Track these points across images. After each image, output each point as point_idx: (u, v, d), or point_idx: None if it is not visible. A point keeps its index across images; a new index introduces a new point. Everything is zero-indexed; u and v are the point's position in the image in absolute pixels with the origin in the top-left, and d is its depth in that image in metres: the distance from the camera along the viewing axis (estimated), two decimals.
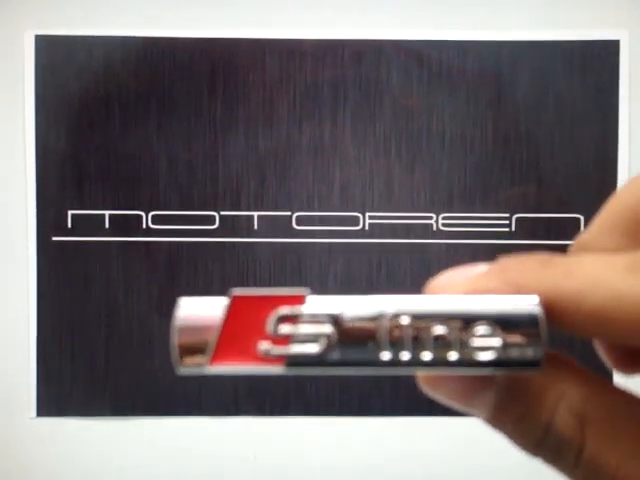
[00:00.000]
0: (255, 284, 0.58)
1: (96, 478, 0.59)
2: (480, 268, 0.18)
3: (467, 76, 0.57)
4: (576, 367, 0.18)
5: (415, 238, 0.58)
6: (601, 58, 0.57)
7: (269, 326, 0.17)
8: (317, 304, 0.17)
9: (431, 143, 0.58)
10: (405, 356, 0.16)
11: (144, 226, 0.58)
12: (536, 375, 0.17)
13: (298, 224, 0.58)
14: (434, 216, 0.58)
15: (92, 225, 0.58)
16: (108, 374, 0.58)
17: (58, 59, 0.57)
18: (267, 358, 0.17)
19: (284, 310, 0.17)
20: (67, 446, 0.59)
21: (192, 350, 0.17)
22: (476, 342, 0.16)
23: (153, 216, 0.58)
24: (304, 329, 0.17)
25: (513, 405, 0.17)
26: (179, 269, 0.58)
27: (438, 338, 0.16)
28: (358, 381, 0.58)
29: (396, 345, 0.16)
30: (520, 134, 0.58)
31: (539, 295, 0.16)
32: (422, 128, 0.58)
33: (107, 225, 0.58)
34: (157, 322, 0.58)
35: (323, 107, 0.58)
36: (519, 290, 0.16)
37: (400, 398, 0.58)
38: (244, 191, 0.58)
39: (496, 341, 0.16)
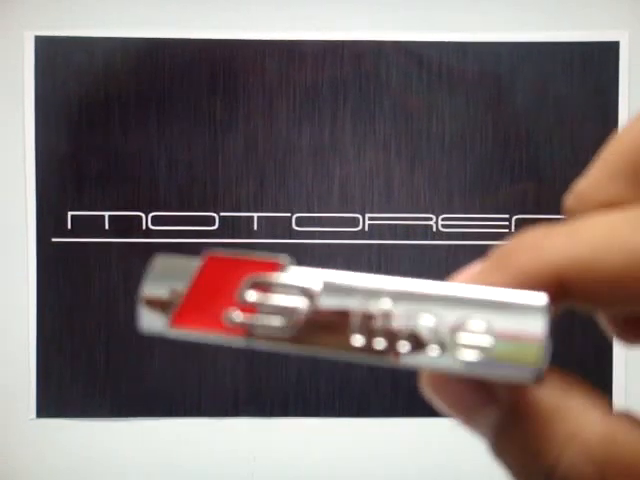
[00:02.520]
0: None
1: (96, 478, 0.59)
2: (479, 265, 0.17)
3: (467, 77, 0.57)
4: (591, 393, 0.15)
5: (415, 239, 0.58)
6: (601, 59, 0.57)
7: (239, 293, 0.15)
8: (292, 274, 0.15)
9: (431, 143, 0.58)
10: (379, 344, 0.14)
11: (144, 227, 0.58)
12: (544, 396, 0.14)
13: (298, 225, 0.58)
14: (434, 217, 0.58)
15: (92, 226, 0.58)
16: (108, 374, 0.58)
17: (58, 59, 0.57)
18: (230, 327, 0.15)
19: (256, 277, 0.15)
20: (67, 446, 0.59)
21: (155, 309, 0.16)
22: (465, 338, 0.14)
23: (153, 217, 0.58)
24: (273, 300, 0.15)
25: (515, 432, 0.15)
26: None
27: (421, 328, 0.14)
28: (358, 382, 0.58)
29: (371, 330, 0.14)
30: (520, 134, 0.58)
31: (546, 271, 0.14)
32: (422, 128, 0.58)
33: (107, 226, 0.58)
34: None
35: (323, 108, 0.57)
36: (524, 273, 0.14)
37: (400, 399, 0.58)
38: (244, 192, 0.58)
39: (487, 340, 0.14)
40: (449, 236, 0.58)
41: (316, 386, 0.58)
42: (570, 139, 0.57)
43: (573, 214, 0.16)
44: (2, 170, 0.58)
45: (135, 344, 0.58)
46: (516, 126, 0.57)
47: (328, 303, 0.15)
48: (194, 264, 0.16)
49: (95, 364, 0.58)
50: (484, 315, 0.14)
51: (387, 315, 0.14)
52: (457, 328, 0.14)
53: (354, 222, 0.58)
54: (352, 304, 0.15)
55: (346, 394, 0.58)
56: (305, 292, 0.15)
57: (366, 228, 0.58)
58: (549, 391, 0.14)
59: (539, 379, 0.14)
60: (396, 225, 0.58)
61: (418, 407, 0.58)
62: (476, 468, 0.58)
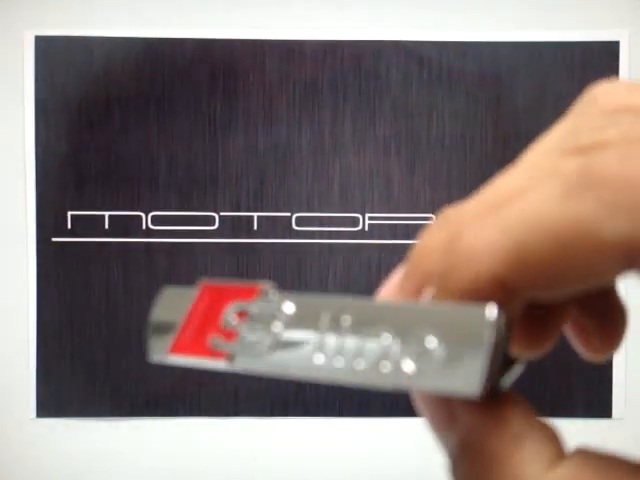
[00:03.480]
0: None
1: (96, 478, 0.59)
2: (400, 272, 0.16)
3: (467, 76, 0.57)
4: (546, 436, 0.14)
5: (415, 239, 0.58)
6: (601, 58, 0.57)
7: (222, 319, 0.16)
8: (265, 300, 0.16)
9: (431, 143, 0.58)
10: (339, 362, 0.15)
11: (144, 227, 0.58)
12: (495, 435, 0.14)
13: (298, 225, 0.58)
14: (434, 217, 0.58)
15: (92, 226, 0.58)
16: (108, 374, 0.58)
17: (58, 59, 0.57)
18: (214, 351, 0.16)
19: (237, 303, 0.16)
20: (67, 446, 0.59)
21: (160, 338, 0.17)
22: (414, 354, 0.14)
23: (153, 217, 0.58)
24: (249, 325, 0.16)
25: (465, 463, 0.15)
26: (179, 269, 0.58)
27: (377, 346, 0.14)
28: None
29: (332, 349, 0.15)
30: (520, 134, 0.58)
31: (487, 283, 0.14)
32: (422, 128, 0.58)
33: (107, 226, 0.58)
34: None
35: (323, 107, 0.57)
36: (466, 292, 0.14)
37: (400, 399, 0.58)
38: (244, 192, 0.58)
39: (432, 355, 0.14)
40: None
41: (316, 386, 0.58)
42: None
43: (453, 224, 0.16)
44: (2, 170, 0.58)
45: (135, 344, 0.58)
46: (516, 126, 0.57)
47: (293, 325, 0.15)
48: (192, 294, 0.17)
49: (95, 364, 0.58)
50: (434, 330, 0.14)
51: (346, 333, 0.15)
52: (409, 344, 0.14)
53: (354, 222, 0.58)
54: (315, 326, 0.15)
55: (346, 394, 0.58)
56: (274, 316, 0.16)
57: (366, 228, 0.58)
58: (501, 429, 0.14)
59: (485, 393, 0.14)
60: (396, 225, 0.58)
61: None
62: None
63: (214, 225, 0.58)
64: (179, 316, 0.17)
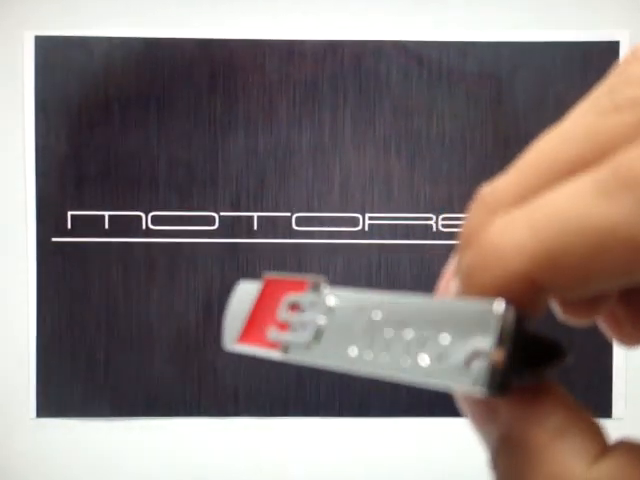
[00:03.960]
0: None
1: (96, 478, 0.59)
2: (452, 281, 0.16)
3: (467, 76, 0.57)
4: (589, 431, 0.14)
5: (415, 239, 0.58)
6: (601, 59, 0.57)
7: (278, 311, 0.17)
8: (312, 293, 0.17)
9: (431, 143, 0.58)
10: (368, 355, 0.15)
11: (144, 227, 0.58)
12: (536, 430, 0.14)
13: (298, 225, 0.58)
14: (434, 217, 0.58)
15: (92, 226, 0.58)
16: (108, 374, 0.58)
17: (58, 59, 0.57)
18: (271, 342, 0.17)
19: (290, 296, 0.17)
20: (67, 446, 0.59)
21: (231, 329, 0.18)
22: (430, 350, 0.14)
23: (153, 217, 0.58)
24: (300, 317, 0.17)
25: (505, 458, 0.14)
26: (179, 269, 0.58)
27: (399, 341, 0.15)
28: (358, 382, 0.58)
29: (363, 343, 0.15)
30: (520, 134, 0.58)
31: (515, 280, 0.14)
32: (422, 128, 0.58)
33: (107, 226, 0.58)
34: (157, 322, 0.58)
35: (323, 107, 0.57)
36: (493, 288, 0.14)
37: (400, 398, 0.58)
38: (244, 192, 0.58)
39: (445, 351, 0.14)
40: (449, 236, 0.58)
41: (316, 386, 0.58)
42: None
43: (489, 206, 0.15)
44: (2, 170, 0.58)
45: (135, 344, 0.58)
46: (516, 126, 0.57)
47: (337, 319, 0.16)
48: (259, 287, 0.18)
49: (95, 364, 0.58)
50: (446, 327, 0.14)
51: (377, 327, 0.15)
52: (426, 340, 0.15)
53: (354, 222, 0.58)
54: (354, 319, 0.16)
55: (346, 394, 0.58)
56: (321, 309, 0.16)
57: (366, 228, 0.58)
58: (543, 424, 0.14)
59: (497, 389, 0.13)
60: (396, 225, 0.58)
61: (418, 407, 0.58)
62: (476, 468, 0.58)
63: (214, 225, 0.58)
64: (247, 308, 0.18)
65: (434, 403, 0.58)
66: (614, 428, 0.60)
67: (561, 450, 0.14)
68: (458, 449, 0.58)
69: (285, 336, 0.17)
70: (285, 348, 0.17)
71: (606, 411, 0.58)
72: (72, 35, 0.57)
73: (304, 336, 0.16)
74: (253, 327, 0.18)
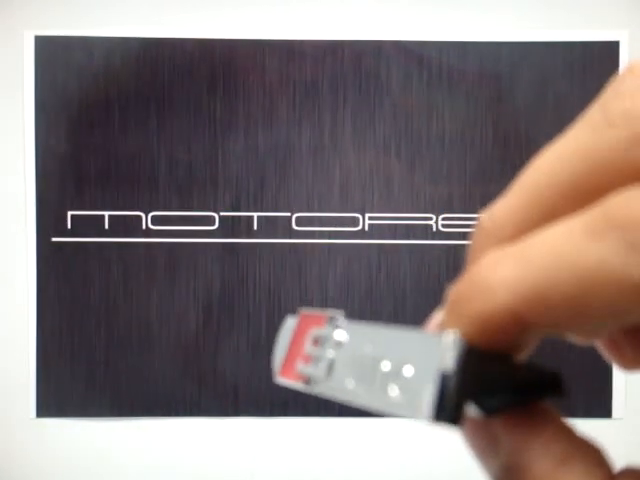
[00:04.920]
0: (255, 285, 0.58)
1: (96, 478, 0.59)
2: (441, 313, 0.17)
3: (467, 76, 0.57)
4: (592, 463, 0.14)
5: (415, 239, 0.58)
6: (601, 59, 0.57)
7: (305, 345, 0.18)
8: (328, 328, 0.18)
9: (431, 143, 0.58)
10: (359, 388, 0.16)
11: (144, 227, 0.58)
12: (538, 463, 0.14)
13: (298, 225, 0.58)
14: (434, 217, 0.58)
15: (92, 226, 0.58)
16: (108, 374, 0.58)
17: (58, 59, 0.57)
18: (298, 375, 0.18)
19: (313, 330, 0.18)
20: (67, 446, 0.59)
21: (277, 362, 0.19)
22: (397, 381, 0.15)
23: (153, 217, 0.58)
24: (318, 351, 0.18)
25: None
26: (179, 270, 0.58)
27: (379, 372, 0.15)
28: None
29: (357, 375, 0.16)
30: (520, 134, 0.57)
31: (501, 314, 0.14)
32: (422, 128, 0.58)
33: (107, 226, 0.58)
34: (157, 323, 0.58)
35: (323, 107, 0.57)
36: (480, 322, 0.14)
37: None
38: (244, 192, 0.58)
39: (408, 382, 0.15)
40: (449, 236, 0.58)
41: None
42: None
43: (487, 234, 0.16)
44: (2, 170, 0.58)
45: (135, 344, 0.58)
46: (516, 126, 0.57)
47: (344, 353, 0.17)
48: (296, 321, 0.19)
49: (95, 364, 0.58)
50: (412, 358, 0.15)
51: (361, 359, 0.16)
52: (395, 371, 0.15)
53: (354, 222, 0.58)
54: (354, 353, 0.17)
55: None
56: (331, 344, 0.17)
57: (366, 228, 0.58)
58: (546, 452, 0.14)
59: (448, 418, 0.14)
60: (396, 225, 0.58)
61: None
62: (475, 469, 0.58)
63: (214, 225, 0.58)
64: (286, 342, 0.19)
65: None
66: (614, 428, 0.60)
67: (566, 478, 0.14)
68: (458, 449, 0.58)
69: (307, 369, 0.18)
70: (307, 380, 0.18)
71: (606, 411, 0.58)
72: (72, 35, 0.57)
73: (319, 369, 0.17)
74: (289, 360, 0.19)
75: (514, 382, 0.15)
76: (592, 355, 0.62)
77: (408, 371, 0.15)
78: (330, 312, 0.18)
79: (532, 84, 0.57)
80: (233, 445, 0.59)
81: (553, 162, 0.15)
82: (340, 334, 0.17)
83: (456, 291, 0.15)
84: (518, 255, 0.14)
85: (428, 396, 0.14)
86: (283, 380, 0.19)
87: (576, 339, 0.15)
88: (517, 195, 0.15)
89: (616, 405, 0.58)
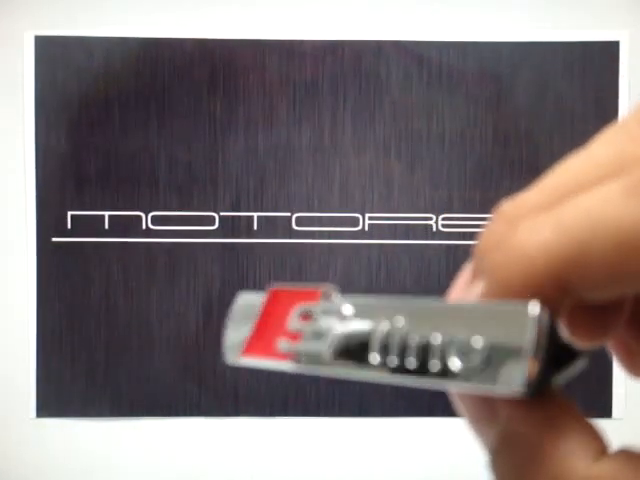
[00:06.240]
0: (255, 285, 0.58)
1: (96, 478, 0.59)
2: (467, 271, 0.16)
3: (467, 76, 0.57)
4: (587, 432, 0.14)
5: (415, 239, 0.58)
6: (601, 59, 0.57)
7: (288, 322, 0.17)
8: (326, 302, 0.17)
9: (431, 143, 0.58)
10: (392, 362, 0.15)
11: (144, 227, 0.58)
12: (534, 429, 0.14)
13: (298, 225, 0.58)
14: (434, 217, 0.58)
15: (92, 226, 0.58)
16: (108, 374, 0.58)
17: (58, 59, 0.57)
18: (282, 354, 0.17)
19: (302, 306, 0.17)
20: (67, 446, 0.59)
21: (233, 342, 0.18)
22: (462, 354, 0.14)
23: (153, 217, 0.58)
24: (313, 326, 0.16)
25: (504, 457, 0.14)
26: (179, 270, 0.58)
27: (426, 346, 0.15)
28: (358, 382, 0.58)
29: (387, 349, 0.15)
30: (520, 134, 0.58)
31: (541, 279, 0.14)
32: (422, 128, 0.58)
33: (107, 226, 0.58)
34: (157, 323, 0.58)
35: (323, 107, 0.57)
36: (520, 288, 0.14)
37: (400, 399, 0.58)
38: (244, 192, 0.58)
39: (478, 355, 0.14)
40: (449, 236, 0.58)
41: (316, 386, 0.58)
42: (570, 139, 0.57)
43: (509, 217, 0.15)
44: (2, 170, 0.58)
45: (135, 344, 0.58)
46: (516, 126, 0.57)
47: (353, 327, 0.16)
48: (262, 298, 0.18)
49: (95, 364, 0.58)
50: (480, 330, 0.14)
51: (399, 334, 0.15)
52: (457, 344, 0.14)
53: (354, 222, 0.58)
54: (372, 326, 0.16)
55: (346, 394, 0.58)
56: (336, 317, 0.16)
57: (366, 228, 0.58)
58: (545, 422, 0.14)
59: (531, 391, 0.13)
60: (396, 225, 0.58)
61: (418, 407, 0.58)
62: (476, 468, 0.58)
63: (214, 225, 0.58)
64: (251, 320, 0.18)
65: (434, 403, 0.58)
66: (614, 428, 0.60)
67: (563, 447, 0.14)
68: (458, 449, 0.58)
69: (298, 346, 0.16)
70: (298, 358, 0.16)
71: (606, 411, 0.58)
72: (72, 35, 0.57)
73: (319, 345, 0.16)
74: (260, 339, 0.17)
75: (567, 354, 0.15)
76: (592, 355, 0.62)
77: (477, 343, 0.14)
78: (322, 286, 0.17)
79: (532, 84, 0.57)
80: (233, 445, 0.59)
81: (583, 162, 0.15)
82: (348, 308, 0.16)
83: (497, 261, 0.14)
84: (555, 219, 0.14)
85: (521, 368, 0.13)
86: (250, 360, 0.17)
87: (588, 337, 0.15)
88: (543, 186, 0.15)
89: (616, 405, 0.58)
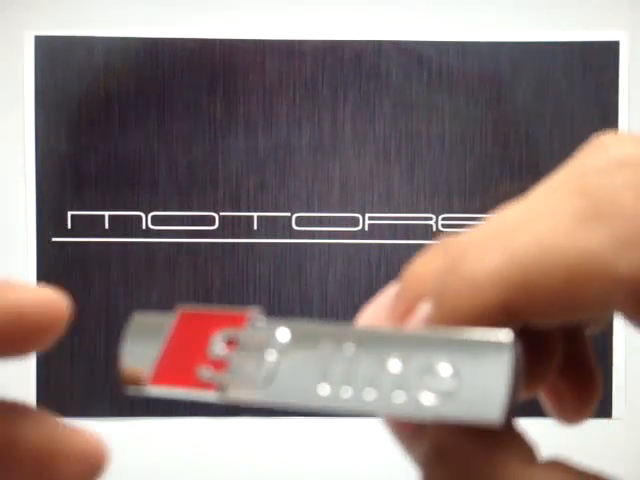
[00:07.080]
0: (255, 285, 0.58)
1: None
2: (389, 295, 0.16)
3: (467, 76, 0.57)
4: (525, 436, 0.14)
5: (415, 239, 0.58)
6: (601, 59, 0.57)
7: (209, 348, 0.15)
8: (255, 327, 0.15)
9: (431, 143, 0.58)
10: (346, 393, 0.14)
11: (144, 227, 0.58)
12: (466, 447, 0.14)
13: (298, 225, 0.58)
14: (434, 217, 0.58)
15: (92, 226, 0.58)
16: (108, 374, 0.58)
17: (58, 59, 0.57)
18: (203, 383, 0.15)
19: (225, 331, 0.15)
20: None
21: (135, 369, 0.16)
22: (430, 383, 0.14)
23: (153, 217, 0.58)
24: (240, 354, 0.15)
25: (441, 464, 0.14)
26: (179, 269, 0.58)
27: (388, 375, 0.14)
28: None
29: (338, 379, 0.14)
30: (520, 134, 0.58)
31: (490, 307, 0.13)
32: (422, 128, 0.58)
33: (107, 226, 0.58)
34: None
35: (323, 107, 0.57)
36: (468, 315, 0.14)
37: None
38: (244, 192, 0.58)
39: (452, 384, 0.13)
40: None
41: None
42: (570, 139, 0.57)
43: (451, 249, 0.15)
44: (2, 170, 0.58)
45: None
46: (516, 126, 0.58)
47: (296, 354, 0.15)
48: (169, 321, 0.16)
49: (95, 363, 0.58)
50: (449, 358, 0.14)
51: (353, 362, 0.14)
52: (423, 373, 0.14)
53: (354, 222, 0.58)
54: (317, 354, 0.14)
55: None
56: (271, 344, 0.15)
57: (366, 228, 0.58)
58: (472, 434, 0.14)
59: (503, 419, 0.13)
60: (396, 225, 0.58)
61: None
62: None
63: (214, 225, 0.58)
64: (155, 345, 0.16)
65: None
66: (614, 428, 0.60)
67: (499, 453, 0.14)
68: None
69: (223, 376, 0.15)
70: (223, 388, 0.15)
71: (606, 411, 0.58)
72: (72, 35, 0.57)
73: (251, 374, 0.15)
74: (172, 366, 0.16)
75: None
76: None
77: (445, 371, 0.13)
78: (245, 310, 0.15)
79: (532, 84, 0.57)
80: (233, 445, 0.59)
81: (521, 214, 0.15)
82: (285, 333, 0.15)
83: (445, 288, 0.14)
84: (504, 246, 0.14)
85: (499, 397, 0.13)
86: (160, 390, 0.16)
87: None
88: (483, 227, 0.15)
89: (616, 405, 0.58)
